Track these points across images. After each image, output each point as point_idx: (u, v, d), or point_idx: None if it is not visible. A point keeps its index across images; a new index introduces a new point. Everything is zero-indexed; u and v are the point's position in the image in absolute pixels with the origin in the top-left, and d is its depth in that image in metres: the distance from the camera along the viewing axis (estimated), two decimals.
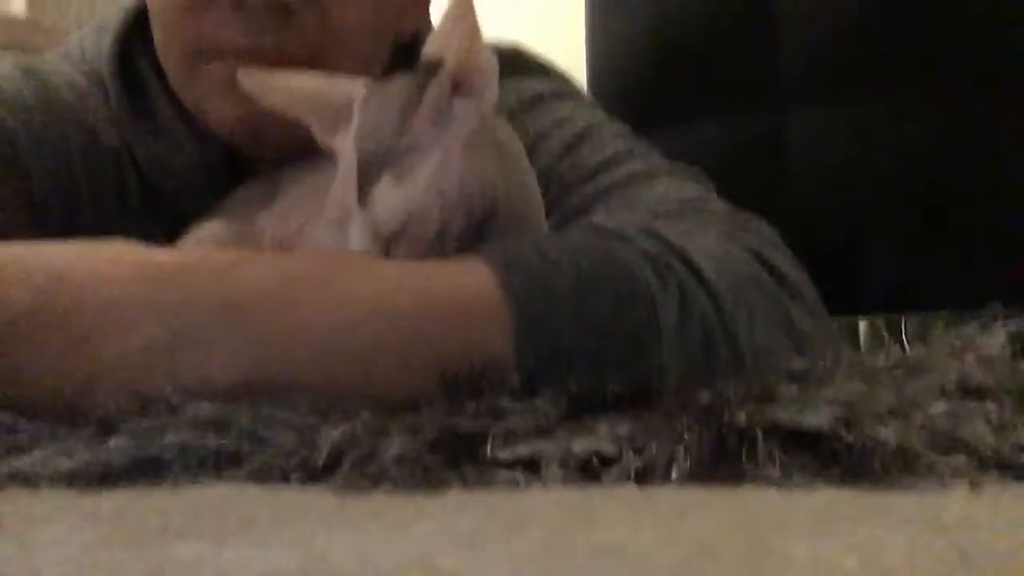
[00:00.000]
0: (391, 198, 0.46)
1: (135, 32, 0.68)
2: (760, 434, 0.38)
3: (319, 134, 0.53)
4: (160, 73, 0.66)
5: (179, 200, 0.66)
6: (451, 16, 0.49)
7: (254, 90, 0.53)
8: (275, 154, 0.64)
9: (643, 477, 0.37)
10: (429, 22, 0.71)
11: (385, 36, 0.64)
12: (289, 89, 0.53)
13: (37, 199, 0.63)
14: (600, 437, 0.39)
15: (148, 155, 0.65)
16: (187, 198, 0.66)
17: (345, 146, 0.48)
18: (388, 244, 0.46)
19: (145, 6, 0.67)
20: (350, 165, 0.47)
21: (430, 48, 0.51)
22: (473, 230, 0.49)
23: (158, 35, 0.64)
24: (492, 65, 0.50)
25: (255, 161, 0.66)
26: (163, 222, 0.66)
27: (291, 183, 0.63)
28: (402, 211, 0.46)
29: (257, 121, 0.60)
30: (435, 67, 0.49)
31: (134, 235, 0.50)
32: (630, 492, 0.36)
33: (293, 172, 0.63)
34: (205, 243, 0.59)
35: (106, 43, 0.67)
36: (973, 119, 1.06)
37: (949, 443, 0.39)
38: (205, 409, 0.41)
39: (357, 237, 0.47)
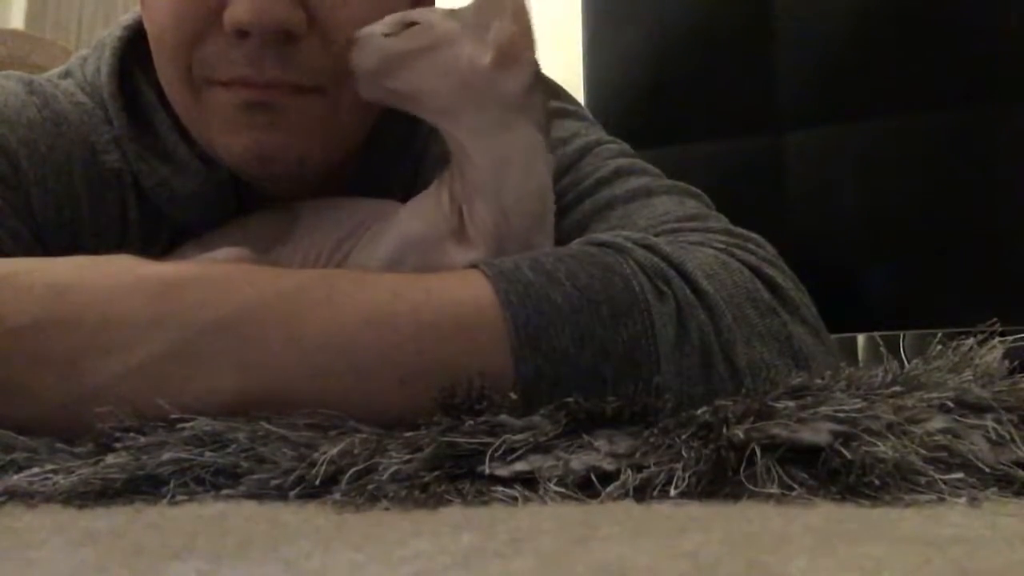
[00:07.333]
0: None
1: (135, 52, 0.67)
2: (758, 450, 0.38)
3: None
4: (162, 93, 0.66)
5: (179, 222, 0.66)
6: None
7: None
8: (283, 184, 0.64)
9: (642, 494, 0.37)
10: None
11: None
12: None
13: (38, 217, 0.63)
14: (599, 453, 0.39)
15: (153, 179, 0.65)
16: (188, 221, 0.66)
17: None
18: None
19: (142, 24, 0.66)
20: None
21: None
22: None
23: (158, 62, 0.63)
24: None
25: (261, 188, 0.66)
26: (161, 243, 0.66)
27: (310, 216, 0.63)
28: None
29: (265, 152, 0.61)
30: None
31: (133, 254, 0.50)
32: (629, 509, 0.36)
33: (312, 206, 0.64)
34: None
35: (105, 63, 0.67)
36: (970, 139, 1.07)
37: (948, 459, 0.39)
38: (203, 426, 0.41)
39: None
